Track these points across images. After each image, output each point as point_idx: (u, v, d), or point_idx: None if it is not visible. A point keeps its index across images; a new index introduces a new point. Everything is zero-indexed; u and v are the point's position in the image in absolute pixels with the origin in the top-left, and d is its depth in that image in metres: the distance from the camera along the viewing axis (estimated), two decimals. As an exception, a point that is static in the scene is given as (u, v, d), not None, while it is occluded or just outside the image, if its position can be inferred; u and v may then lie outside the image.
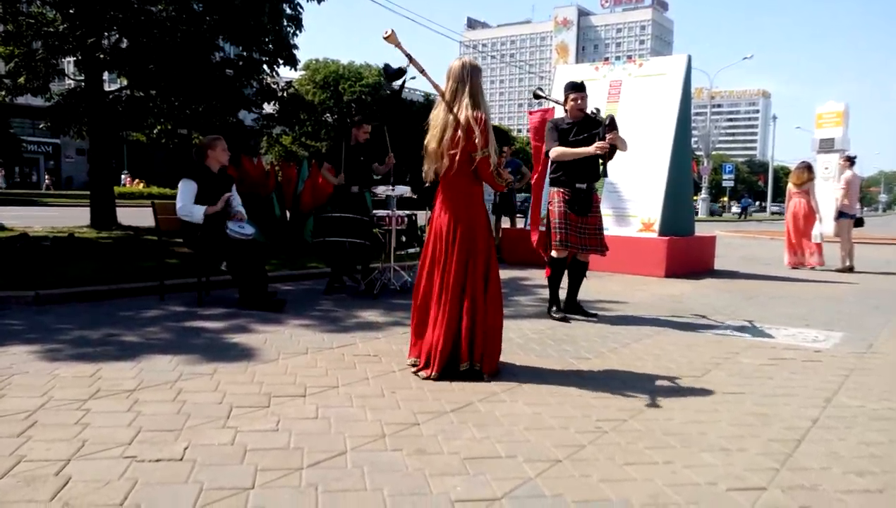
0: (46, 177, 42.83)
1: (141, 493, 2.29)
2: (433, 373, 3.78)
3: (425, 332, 3.93)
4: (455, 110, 3.79)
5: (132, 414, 3.06)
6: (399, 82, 4.25)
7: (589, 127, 5.67)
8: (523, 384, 3.76)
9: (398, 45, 4.52)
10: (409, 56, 4.05)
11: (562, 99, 5.91)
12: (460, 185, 3.90)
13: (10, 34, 11.93)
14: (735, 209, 61.08)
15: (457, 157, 3.78)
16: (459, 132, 3.76)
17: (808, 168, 11.46)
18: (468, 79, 3.81)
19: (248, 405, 3.25)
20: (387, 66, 4.26)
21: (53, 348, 4.23)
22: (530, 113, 6.47)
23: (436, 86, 3.90)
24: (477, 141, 3.72)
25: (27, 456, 2.55)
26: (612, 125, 5.46)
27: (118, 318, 5.26)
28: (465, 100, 3.78)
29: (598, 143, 5.46)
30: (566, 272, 5.94)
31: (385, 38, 4.10)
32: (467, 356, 3.81)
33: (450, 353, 3.82)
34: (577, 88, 5.78)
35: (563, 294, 5.95)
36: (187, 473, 2.45)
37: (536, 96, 6.07)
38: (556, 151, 5.66)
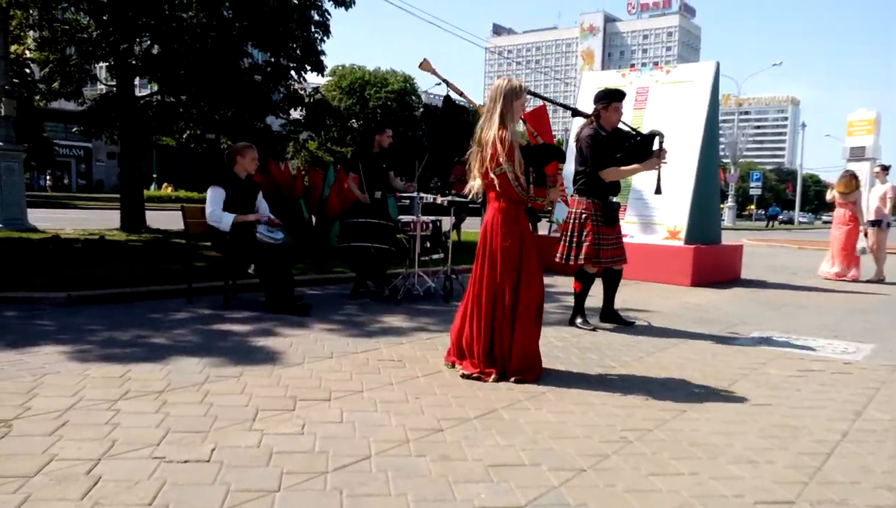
0: (48, 176, 43.62)
1: (169, 494, 2.32)
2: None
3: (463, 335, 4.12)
4: (483, 130, 4.00)
5: (161, 415, 3.11)
6: (455, 109, 4.44)
7: (620, 138, 5.52)
8: (547, 391, 3.75)
9: (434, 72, 4.64)
10: (445, 81, 4.17)
11: (590, 107, 5.69)
12: (492, 201, 4.10)
13: (46, 40, 12.23)
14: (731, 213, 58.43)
15: (484, 175, 4.00)
16: (485, 151, 3.95)
17: (854, 177, 11.12)
18: (500, 99, 3.95)
19: (273, 408, 3.28)
20: (441, 111, 4.48)
21: (84, 348, 4.31)
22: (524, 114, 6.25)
23: (475, 106, 4.01)
24: (501, 159, 3.88)
25: (58, 455, 2.61)
26: (661, 139, 5.34)
27: (147, 320, 5.35)
28: (494, 121, 3.95)
29: (655, 160, 5.33)
30: (602, 281, 5.86)
31: (420, 68, 4.24)
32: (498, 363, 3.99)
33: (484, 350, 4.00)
34: (621, 96, 5.55)
35: (590, 302, 5.88)
36: (215, 474, 2.48)
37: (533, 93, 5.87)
38: (612, 173, 5.44)
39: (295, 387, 3.65)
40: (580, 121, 5.89)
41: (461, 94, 4.73)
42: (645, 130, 5.62)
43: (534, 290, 4.03)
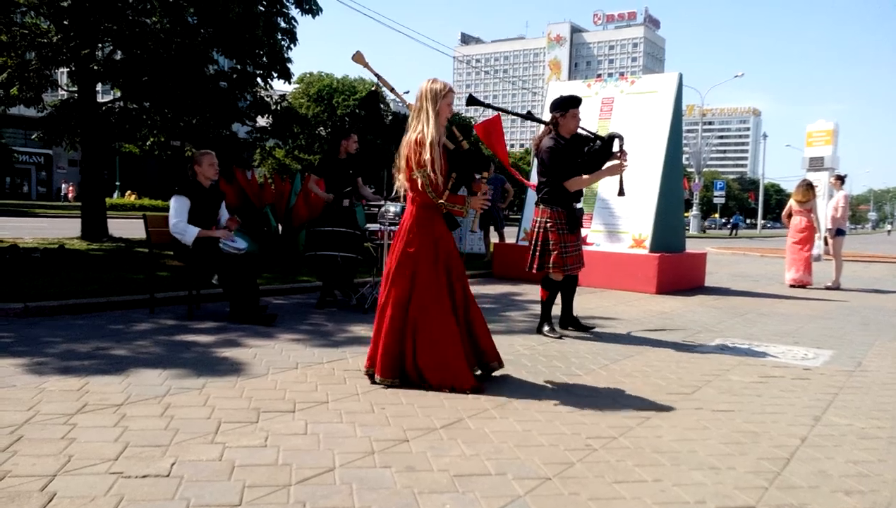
0: None
1: (127, 510, 2.27)
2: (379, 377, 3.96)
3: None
4: (408, 131, 3.98)
5: (119, 429, 3.04)
6: (385, 103, 4.37)
7: (580, 144, 5.57)
8: (513, 400, 3.76)
9: (366, 65, 4.60)
10: (377, 75, 4.14)
11: (548, 116, 5.72)
12: (408, 202, 4.08)
13: (4, 44, 11.93)
14: (704, 223, 59.26)
15: (402, 177, 3.98)
16: (405, 153, 3.94)
17: (810, 186, 11.39)
18: (423, 99, 3.93)
19: (236, 420, 3.23)
20: (362, 100, 4.41)
21: (41, 361, 4.20)
22: (476, 126, 6.23)
23: (406, 104, 3.99)
24: (416, 162, 3.85)
25: (12, 472, 2.53)
26: (622, 141, 5.40)
27: (107, 331, 5.23)
28: (416, 122, 3.95)
29: (618, 163, 5.40)
30: (560, 288, 5.89)
31: (353, 60, 4.20)
32: (411, 366, 3.96)
33: (394, 358, 3.97)
34: (577, 102, 5.56)
35: (555, 310, 5.93)
36: (174, 489, 2.43)
37: (529, 116, 5.83)
38: (577, 183, 5.48)
39: (259, 399, 3.60)
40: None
41: (393, 91, 4.69)
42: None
43: (428, 298, 3.94)
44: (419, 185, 3.89)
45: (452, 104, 4.04)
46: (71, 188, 41.28)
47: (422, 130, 3.88)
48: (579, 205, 5.70)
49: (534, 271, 5.65)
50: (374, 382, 3.97)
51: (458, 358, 3.92)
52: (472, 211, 4.11)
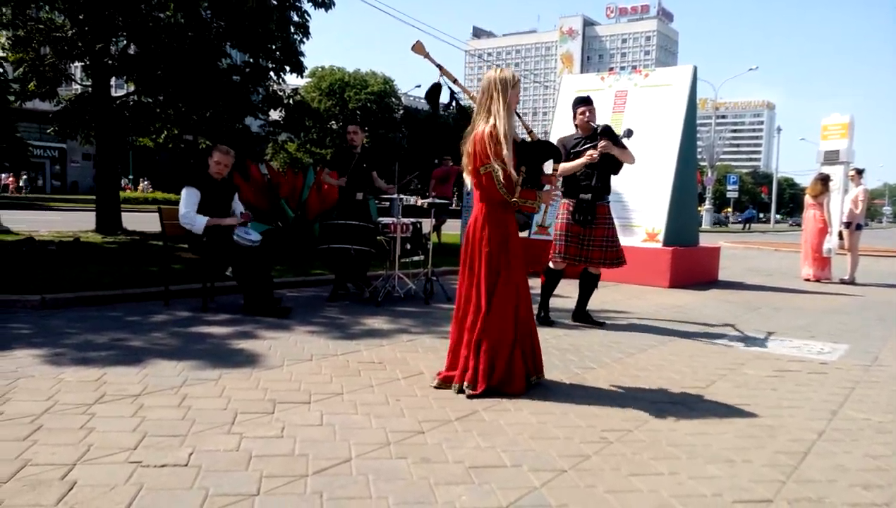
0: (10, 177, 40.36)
1: (146, 499, 2.29)
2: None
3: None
4: (474, 124, 3.72)
5: (137, 419, 3.07)
6: (445, 99, 4.23)
7: (595, 140, 5.70)
8: (528, 393, 3.76)
9: (427, 55, 4.48)
10: (439, 66, 4.04)
11: (569, 112, 5.96)
12: (476, 201, 3.84)
13: (20, 39, 12.02)
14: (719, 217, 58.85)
15: (471, 172, 3.72)
16: (472, 147, 3.66)
17: (822, 180, 11.30)
18: (492, 90, 3.67)
19: (252, 411, 3.25)
20: (428, 94, 4.23)
21: (59, 352, 4.24)
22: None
23: (470, 95, 3.86)
24: (487, 156, 3.59)
25: (32, 460, 2.56)
26: (604, 133, 5.51)
27: (124, 323, 5.28)
28: (485, 115, 3.67)
29: (588, 153, 5.50)
30: (579, 282, 6.05)
31: (413, 50, 4.09)
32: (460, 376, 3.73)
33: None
34: (585, 102, 5.77)
35: (563, 303, 5.97)
36: (192, 479, 2.45)
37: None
38: (559, 168, 5.57)
39: (274, 390, 3.62)
40: (560, 126, 6.00)
41: (456, 82, 4.52)
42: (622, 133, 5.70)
43: (509, 297, 3.72)
44: (493, 182, 3.63)
45: (520, 93, 3.81)
46: (11, 179, 39.49)
47: (494, 123, 3.61)
48: (587, 197, 5.69)
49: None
50: (471, 397, 3.62)
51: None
52: (542, 205, 3.89)
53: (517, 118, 3.91)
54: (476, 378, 3.66)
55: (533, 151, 3.87)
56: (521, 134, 4.05)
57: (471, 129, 3.74)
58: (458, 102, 4.47)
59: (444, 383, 3.79)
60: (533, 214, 4.58)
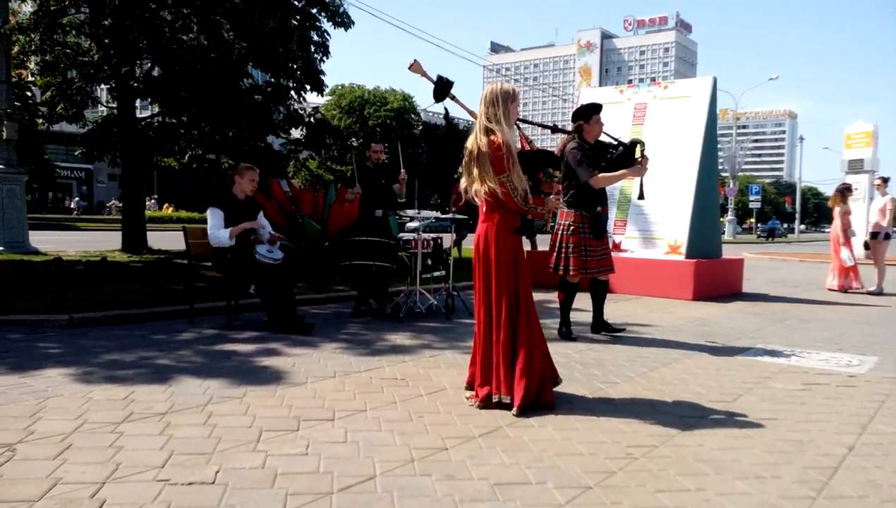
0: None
1: (174, 516, 2.31)
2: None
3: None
4: (479, 135, 3.74)
5: (164, 437, 3.10)
6: (446, 102, 4.25)
7: (603, 150, 5.74)
8: (551, 409, 3.74)
9: (423, 74, 4.54)
10: (435, 82, 4.07)
11: (571, 125, 5.89)
12: (486, 211, 3.83)
13: (48, 64, 12.32)
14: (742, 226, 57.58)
15: (490, 181, 3.69)
16: (494, 155, 3.66)
17: (839, 191, 11.18)
18: (497, 102, 3.71)
19: (277, 428, 3.27)
20: (434, 91, 4.27)
21: (88, 371, 4.30)
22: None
23: (469, 112, 3.89)
24: (506, 164, 3.63)
25: (63, 479, 2.60)
26: (642, 147, 5.53)
27: (150, 341, 5.34)
28: (486, 128, 3.71)
29: (639, 166, 5.45)
30: (590, 293, 6.08)
31: (409, 69, 4.14)
32: (496, 388, 3.72)
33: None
34: (598, 109, 5.77)
35: (579, 316, 5.94)
36: (219, 496, 2.47)
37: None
38: (603, 179, 5.52)
39: (298, 407, 3.64)
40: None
41: (453, 99, 4.62)
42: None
43: (532, 305, 3.84)
44: (509, 191, 3.67)
45: (518, 107, 3.88)
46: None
47: (500, 134, 3.67)
48: (615, 213, 5.76)
49: (559, 273, 5.85)
50: (519, 415, 3.60)
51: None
52: (549, 212, 4.04)
53: (516, 129, 4.04)
54: (517, 390, 3.66)
55: (532, 160, 3.98)
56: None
57: (474, 140, 3.76)
58: (449, 121, 4.57)
59: (487, 400, 3.73)
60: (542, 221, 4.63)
